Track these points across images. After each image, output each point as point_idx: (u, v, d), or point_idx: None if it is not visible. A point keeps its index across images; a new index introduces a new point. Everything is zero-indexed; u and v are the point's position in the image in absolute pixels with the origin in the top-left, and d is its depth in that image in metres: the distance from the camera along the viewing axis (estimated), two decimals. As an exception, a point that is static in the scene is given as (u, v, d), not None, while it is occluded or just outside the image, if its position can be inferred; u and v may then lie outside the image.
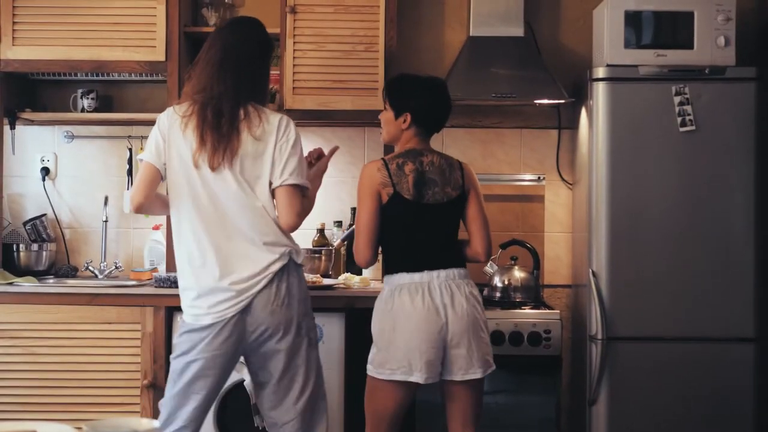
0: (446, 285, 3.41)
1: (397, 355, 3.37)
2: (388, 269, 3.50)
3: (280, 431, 3.30)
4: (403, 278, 3.44)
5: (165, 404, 3.26)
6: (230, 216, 3.20)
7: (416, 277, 3.42)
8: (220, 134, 3.17)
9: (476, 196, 3.56)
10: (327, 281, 4.19)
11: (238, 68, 3.25)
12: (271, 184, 3.24)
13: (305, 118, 4.34)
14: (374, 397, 3.47)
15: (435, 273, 3.42)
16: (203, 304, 3.18)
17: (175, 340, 3.29)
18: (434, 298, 3.38)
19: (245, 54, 3.29)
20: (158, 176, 3.25)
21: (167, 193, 3.30)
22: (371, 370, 3.45)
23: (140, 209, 3.30)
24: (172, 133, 3.23)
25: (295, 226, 3.28)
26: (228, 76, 3.23)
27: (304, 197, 3.30)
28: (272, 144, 3.23)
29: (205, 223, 3.19)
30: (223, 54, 3.25)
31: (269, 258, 3.19)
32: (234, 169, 3.18)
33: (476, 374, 3.40)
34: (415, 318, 3.36)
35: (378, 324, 3.46)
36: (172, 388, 3.23)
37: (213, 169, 3.17)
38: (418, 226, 3.47)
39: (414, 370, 3.35)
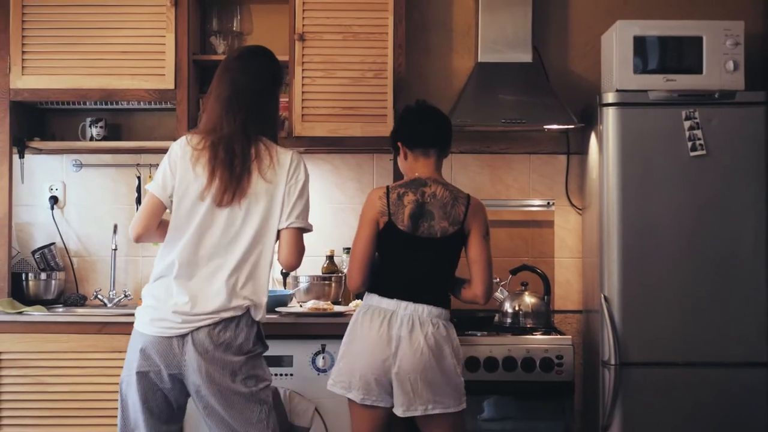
0: (409, 319, 3.43)
1: (343, 370, 3.48)
2: (369, 288, 3.55)
3: None
4: (373, 299, 3.51)
5: None
6: (221, 251, 3.20)
7: (384, 302, 3.48)
8: (232, 174, 3.18)
9: (478, 234, 3.55)
10: (338, 308, 4.18)
11: (247, 105, 3.25)
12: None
13: (314, 144, 4.34)
14: (351, 417, 3.56)
15: (403, 304, 3.46)
16: (148, 317, 3.21)
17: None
18: (392, 328, 3.43)
19: (255, 90, 3.28)
20: (161, 208, 3.26)
21: (170, 221, 3.30)
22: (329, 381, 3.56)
23: (139, 239, 3.31)
24: (181, 165, 3.23)
25: (295, 267, 3.33)
26: (237, 113, 3.23)
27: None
28: (282, 186, 3.24)
29: (190, 255, 3.20)
30: (232, 90, 3.25)
31: (225, 305, 3.18)
32: (242, 208, 3.20)
33: (416, 411, 3.42)
34: (366, 341, 3.43)
35: (344, 337, 3.55)
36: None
37: (221, 205, 3.18)
38: (407, 257, 3.49)
39: (352, 388, 3.45)
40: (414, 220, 3.47)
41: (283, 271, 4.43)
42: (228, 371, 3.16)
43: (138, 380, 3.19)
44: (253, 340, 3.24)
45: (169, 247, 3.24)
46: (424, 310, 3.45)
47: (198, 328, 3.16)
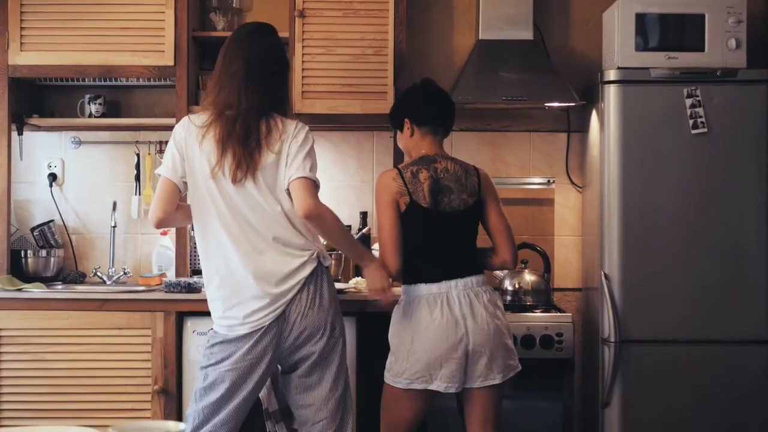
0: (464, 294, 3.40)
1: (417, 366, 3.36)
2: (406, 279, 3.48)
3: (311, 429, 3.29)
4: (421, 289, 3.43)
5: (195, 414, 3.23)
6: (253, 225, 3.19)
7: (434, 287, 3.41)
8: (246, 149, 3.16)
9: (494, 202, 3.56)
10: (338, 286, 4.16)
11: (263, 83, 3.24)
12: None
13: (314, 122, 4.31)
14: (392, 406, 3.46)
15: (453, 282, 3.41)
16: (238, 314, 3.17)
17: (205, 350, 3.26)
18: (453, 309, 3.37)
19: (270, 67, 3.27)
20: (176, 191, 3.24)
21: (190, 205, 3.29)
22: (389, 378, 3.44)
23: (160, 224, 3.29)
24: (187, 146, 3.22)
25: (312, 211, 3.16)
26: (255, 91, 3.21)
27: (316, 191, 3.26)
28: (285, 150, 3.23)
29: (230, 234, 3.18)
30: (248, 68, 3.22)
31: (297, 262, 3.19)
32: (256, 180, 3.18)
33: (495, 380, 3.39)
34: (434, 330, 3.35)
35: (396, 335, 3.45)
36: (203, 399, 3.21)
37: (235, 182, 3.17)
38: (435, 234, 3.44)
39: (434, 379, 3.35)
40: (434, 195, 3.44)
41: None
42: (325, 325, 3.23)
43: (238, 374, 3.18)
44: (334, 288, 3.33)
45: (209, 242, 3.22)
46: (472, 282, 3.42)
47: (291, 299, 3.18)
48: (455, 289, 3.40)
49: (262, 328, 3.16)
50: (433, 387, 3.35)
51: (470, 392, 3.43)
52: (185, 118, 3.30)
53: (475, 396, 3.44)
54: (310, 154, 3.26)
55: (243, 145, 3.16)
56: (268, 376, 3.28)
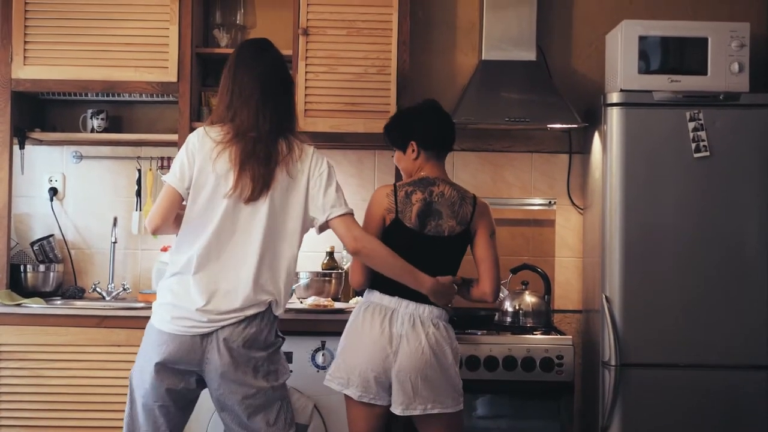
0: (410, 317, 3.41)
1: (342, 366, 3.44)
2: (371, 285, 3.51)
3: None
4: (374, 296, 3.48)
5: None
6: (240, 247, 3.19)
7: (385, 300, 3.45)
8: (267, 170, 3.17)
9: (486, 234, 3.55)
10: (338, 305, 4.16)
11: (276, 103, 3.25)
12: (314, 220, 3.28)
13: (317, 140, 4.28)
14: (348, 416, 3.53)
15: (405, 302, 3.44)
16: (169, 315, 3.18)
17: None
18: (393, 326, 3.41)
19: (279, 86, 3.29)
20: (179, 200, 3.24)
21: (185, 213, 3.28)
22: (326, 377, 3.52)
23: (157, 231, 3.28)
24: (200, 158, 3.21)
25: (363, 246, 3.30)
26: (272, 112, 3.23)
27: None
28: (304, 181, 3.25)
29: (210, 251, 3.19)
30: (262, 90, 3.23)
31: (249, 302, 3.18)
32: (265, 203, 3.19)
33: (415, 411, 3.39)
34: (366, 338, 3.41)
35: (343, 334, 3.52)
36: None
37: (249, 201, 3.17)
38: (411, 254, 3.43)
39: (350, 385, 3.41)
40: (422, 218, 3.45)
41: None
42: (251, 367, 3.17)
43: (154, 375, 3.17)
44: (274, 334, 3.28)
45: (187, 242, 3.22)
46: (425, 309, 3.44)
47: (223, 327, 3.16)
48: (404, 308, 3.43)
49: (185, 335, 3.16)
50: (347, 392, 3.42)
51: (417, 418, 3.48)
52: (201, 129, 3.28)
53: (422, 423, 3.50)
54: (338, 185, 3.32)
55: (264, 166, 3.17)
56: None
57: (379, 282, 3.48)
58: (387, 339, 3.39)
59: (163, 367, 3.17)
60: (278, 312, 3.28)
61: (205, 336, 3.16)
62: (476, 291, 3.56)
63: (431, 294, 3.41)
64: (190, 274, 3.18)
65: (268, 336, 3.24)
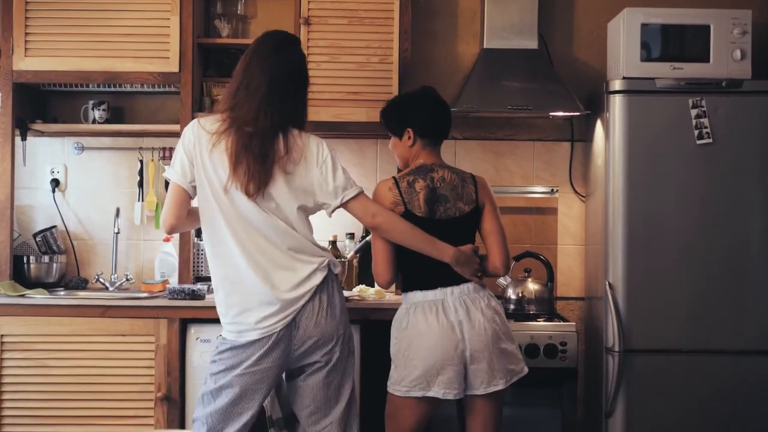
0: (461, 301, 3.39)
1: (415, 373, 3.36)
2: (404, 287, 3.49)
3: None
4: (417, 296, 3.43)
5: (203, 420, 3.21)
6: (263, 233, 3.18)
7: (430, 294, 3.41)
8: (263, 167, 3.15)
9: (491, 209, 3.54)
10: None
11: (284, 100, 3.22)
12: (323, 205, 3.28)
13: (319, 129, 4.31)
14: (394, 414, 3.45)
15: (449, 290, 3.41)
16: (248, 319, 3.16)
17: (215, 356, 3.24)
18: (449, 316, 3.37)
19: (291, 85, 3.25)
20: (187, 196, 3.23)
21: (199, 210, 3.27)
22: (390, 387, 3.44)
23: (173, 230, 3.28)
24: (197, 151, 3.20)
25: (377, 224, 3.35)
26: (274, 110, 3.19)
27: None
28: (311, 168, 3.24)
29: (239, 242, 3.16)
30: (270, 87, 3.19)
31: (308, 269, 3.19)
32: (268, 195, 3.18)
33: (498, 386, 3.37)
34: (430, 336, 3.35)
35: (395, 343, 3.45)
36: (210, 405, 3.19)
37: (248, 195, 3.15)
38: None
39: (432, 386, 3.34)
40: (429, 204, 3.44)
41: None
42: (336, 334, 3.22)
43: (244, 380, 3.17)
44: (343, 295, 3.33)
45: (217, 241, 3.20)
46: (468, 289, 3.42)
47: (303, 307, 3.18)
48: (451, 296, 3.40)
49: (274, 334, 3.15)
50: (431, 394, 3.35)
51: (472, 400, 3.43)
52: (195, 122, 3.27)
53: (477, 404, 3.44)
54: (342, 167, 3.31)
55: (259, 163, 3.14)
56: (275, 383, 3.28)
57: (414, 280, 3.45)
58: (449, 329, 3.35)
59: (253, 374, 3.17)
60: (337, 270, 3.30)
61: (290, 324, 3.17)
62: (488, 265, 3.53)
63: (454, 263, 3.39)
64: (239, 275, 3.17)
65: (341, 296, 3.29)
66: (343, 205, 3.29)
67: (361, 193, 3.31)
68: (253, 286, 3.15)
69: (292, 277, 3.17)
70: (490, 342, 3.35)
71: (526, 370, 3.46)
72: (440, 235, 3.43)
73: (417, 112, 3.55)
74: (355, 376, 3.37)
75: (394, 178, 3.52)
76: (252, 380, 3.16)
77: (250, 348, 3.15)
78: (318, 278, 3.20)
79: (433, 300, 3.40)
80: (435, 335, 3.34)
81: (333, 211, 3.31)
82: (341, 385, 3.28)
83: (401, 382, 3.39)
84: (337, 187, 3.25)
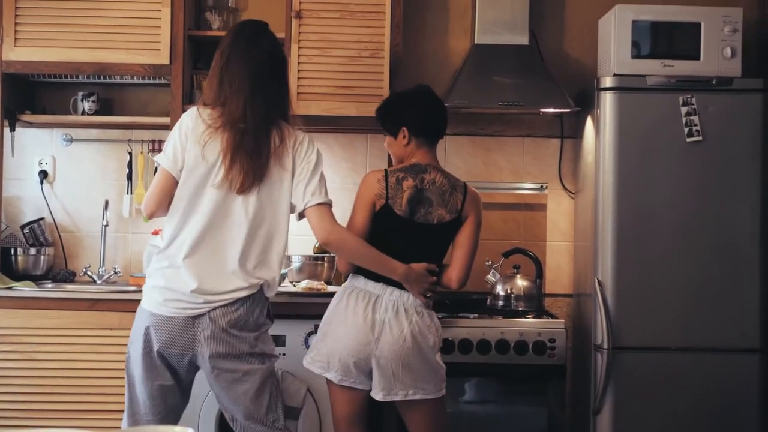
0: (394, 304, 3.41)
1: (323, 350, 3.44)
2: (356, 269, 3.49)
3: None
4: (359, 281, 3.46)
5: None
6: (231, 232, 3.19)
7: (370, 285, 3.44)
8: (257, 163, 3.16)
9: (473, 223, 3.53)
10: (331, 288, 4.16)
11: (267, 92, 3.22)
12: (294, 207, 3.27)
13: (309, 123, 4.26)
14: (330, 399, 3.55)
15: (389, 289, 3.43)
16: (162, 298, 3.19)
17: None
18: (377, 312, 3.40)
19: (271, 73, 3.26)
20: (174, 184, 3.23)
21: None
22: (305, 358, 3.53)
23: (152, 216, 3.29)
24: (192, 139, 3.19)
25: (333, 238, 3.29)
26: (261, 104, 3.20)
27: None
28: (296, 168, 3.25)
29: (203, 236, 3.18)
30: (252, 82, 3.20)
31: (240, 284, 3.19)
32: (260, 192, 3.19)
33: (396, 396, 3.40)
34: (348, 323, 3.40)
35: (325, 316, 3.51)
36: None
37: (241, 192, 3.16)
38: (399, 240, 3.45)
39: (331, 369, 3.41)
40: (411, 205, 3.44)
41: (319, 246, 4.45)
42: (240, 348, 3.18)
43: (146, 358, 3.19)
44: (264, 316, 3.28)
45: (178, 224, 3.21)
46: (409, 297, 3.43)
47: (214, 308, 3.16)
48: (389, 295, 3.42)
49: (178, 317, 3.17)
50: (328, 376, 3.42)
51: (400, 407, 3.50)
52: (194, 109, 3.26)
53: (403, 412, 3.51)
54: (322, 174, 3.30)
55: (254, 159, 3.15)
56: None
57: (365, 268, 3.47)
58: (369, 325, 3.38)
59: (153, 352, 3.19)
60: (270, 294, 3.29)
61: (197, 318, 3.17)
62: (444, 275, 3.55)
63: (404, 280, 3.39)
64: (182, 258, 3.17)
65: (259, 317, 3.25)
66: (305, 209, 3.26)
67: (326, 204, 3.28)
68: (184, 284, 3.17)
69: (220, 285, 3.19)
70: (403, 353, 3.36)
71: (439, 395, 3.45)
72: (415, 238, 3.45)
73: (412, 111, 3.55)
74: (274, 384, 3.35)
75: (385, 170, 3.53)
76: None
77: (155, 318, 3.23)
78: (242, 294, 3.20)
79: (371, 291, 3.43)
80: (352, 326, 3.39)
81: (300, 216, 3.30)
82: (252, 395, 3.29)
83: (310, 353, 3.49)
84: (307, 191, 3.24)
